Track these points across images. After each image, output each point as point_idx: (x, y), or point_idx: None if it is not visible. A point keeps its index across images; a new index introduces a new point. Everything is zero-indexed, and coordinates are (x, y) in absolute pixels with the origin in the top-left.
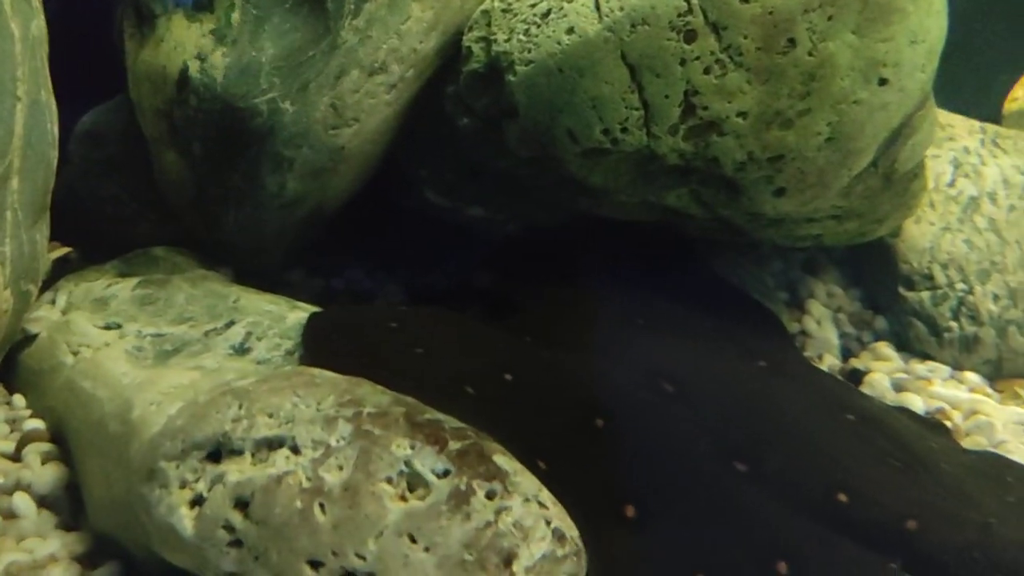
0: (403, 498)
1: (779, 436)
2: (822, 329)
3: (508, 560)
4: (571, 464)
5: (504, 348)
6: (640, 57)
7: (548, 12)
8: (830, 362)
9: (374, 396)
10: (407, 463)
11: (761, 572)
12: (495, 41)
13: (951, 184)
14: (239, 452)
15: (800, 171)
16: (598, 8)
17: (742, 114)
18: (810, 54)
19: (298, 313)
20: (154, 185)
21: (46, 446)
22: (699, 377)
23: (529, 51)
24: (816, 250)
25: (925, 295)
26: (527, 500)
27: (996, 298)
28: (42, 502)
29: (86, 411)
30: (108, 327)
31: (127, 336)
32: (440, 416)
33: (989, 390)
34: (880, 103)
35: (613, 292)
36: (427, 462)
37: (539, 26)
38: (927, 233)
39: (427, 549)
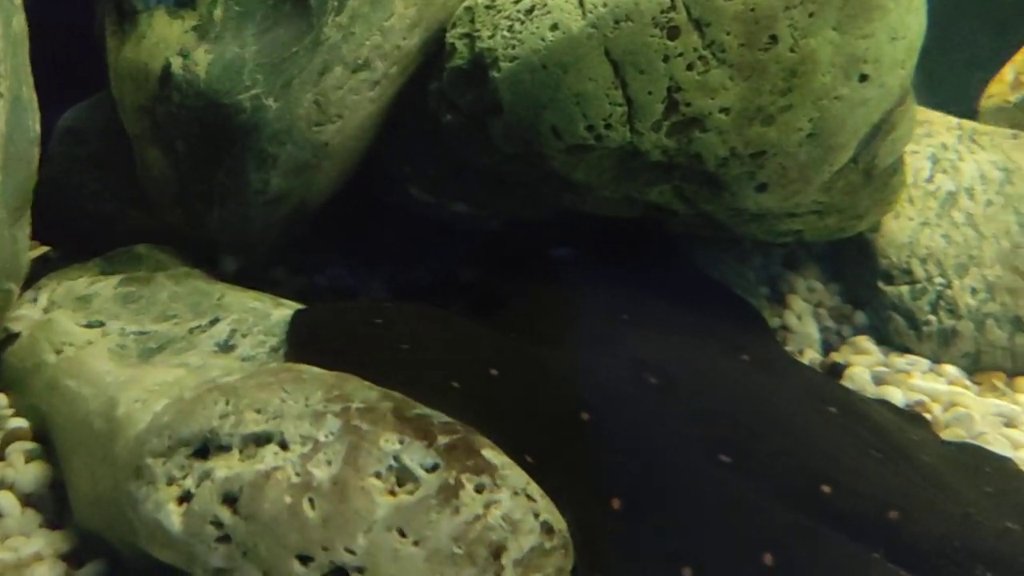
0: (392, 493)
1: (763, 428)
2: (803, 324)
3: (497, 553)
4: (558, 458)
5: (489, 343)
6: (624, 53)
7: (532, 8)
8: (811, 356)
9: (362, 391)
10: (396, 458)
11: (747, 563)
12: (479, 38)
13: (929, 180)
14: (227, 448)
15: (782, 167)
16: (582, 4)
17: (724, 110)
18: (791, 50)
19: (283, 310)
20: (136, 182)
21: (29, 445)
22: (683, 371)
23: (513, 47)
24: (796, 246)
25: (904, 289)
26: (516, 493)
27: (974, 292)
28: (26, 501)
29: (70, 409)
30: (91, 325)
31: (110, 334)
32: (428, 411)
33: (967, 383)
34: (861, 99)
35: (597, 288)
36: (416, 457)
37: (523, 22)
38: (906, 228)
39: (416, 543)
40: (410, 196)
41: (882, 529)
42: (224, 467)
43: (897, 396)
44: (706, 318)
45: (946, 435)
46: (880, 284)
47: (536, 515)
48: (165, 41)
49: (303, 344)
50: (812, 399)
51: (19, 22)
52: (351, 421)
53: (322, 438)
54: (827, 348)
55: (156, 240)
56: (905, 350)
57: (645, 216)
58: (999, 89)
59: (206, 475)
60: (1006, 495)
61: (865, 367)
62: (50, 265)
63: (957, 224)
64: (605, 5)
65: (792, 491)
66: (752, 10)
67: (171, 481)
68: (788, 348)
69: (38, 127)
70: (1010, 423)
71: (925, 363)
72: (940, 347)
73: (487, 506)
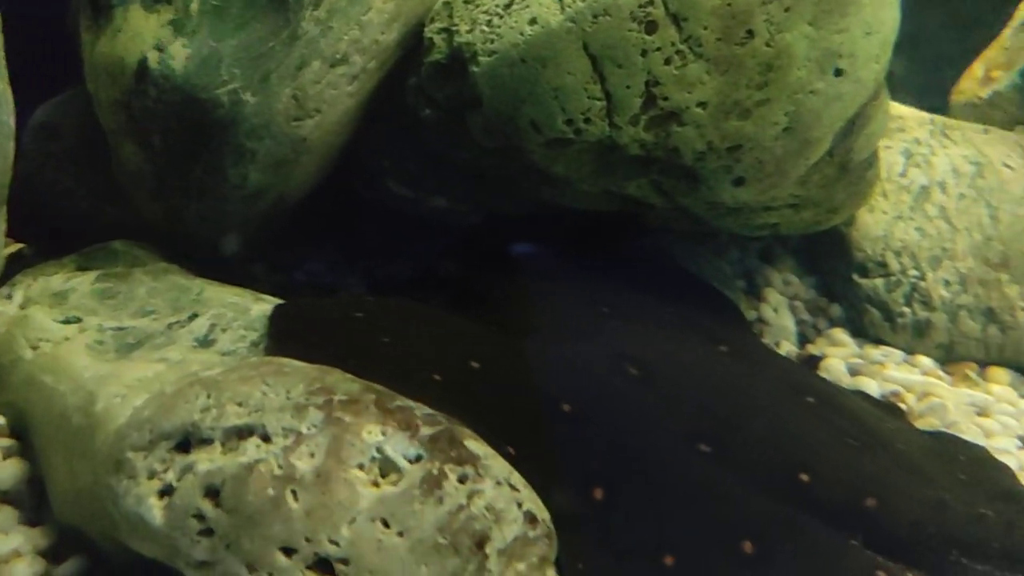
0: (375, 484)
1: (742, 418)
2: (779, 316)
3: (481, 543)
4: (539, 449)
5: (471, 337)
6: (602, 48)
7: (510, 3)
8: (787, 348)
9: (344, 384)
10: (379, 449)
11: (727, 551)
12: (457, 32)
13: (903, 174)
14: (208, 441)
15: (758, 160)
16: None
17: (702, 104)
18: (768, 45)
19: (262, 305)
20: (112, 178)
21: (6, 441)
22: (663, 362)
23: (492, 42)
24: (773, 240)
25: (879, 282)
26: (499, 483)
27: (947, 284)
28: (3, 498)
29: (47, 405)
30: (68, 321)
31: (88, 330)
32: (411, 403)
33: (941, 373)
34: (836, 93)
35: (576, 281)
36: (399, 448)
37: (501, 17)
38: (880, 222)
39: (400, 534)
40: (389, 191)
41: (860, 516)
42: (206, 460)
43: (872, 387)
44: (685, 311)
45: (921, 424)
46: (855, 277)
47: (519, 504)
48: (141, 35)
49: (284, 338)
50: (790, 389)
51: None
52: (333, 413)
53: (304, 430)
54: (803, 340)
55: (133, 236)
56: (880, 342)
57: (623, 210)
58: (969, 85)
59: (188, 468)
60: (979, 482)
61: (840, 359)
62: (25, 262)
63: (930, 217)
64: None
65: (771, 480)
66: (729, 5)
67: (152, 475)
68: (764, 340)
69: (13, 121)
70: (983, 412)
71: (899, 354)
72: (914, 339)
73: (470, 496)
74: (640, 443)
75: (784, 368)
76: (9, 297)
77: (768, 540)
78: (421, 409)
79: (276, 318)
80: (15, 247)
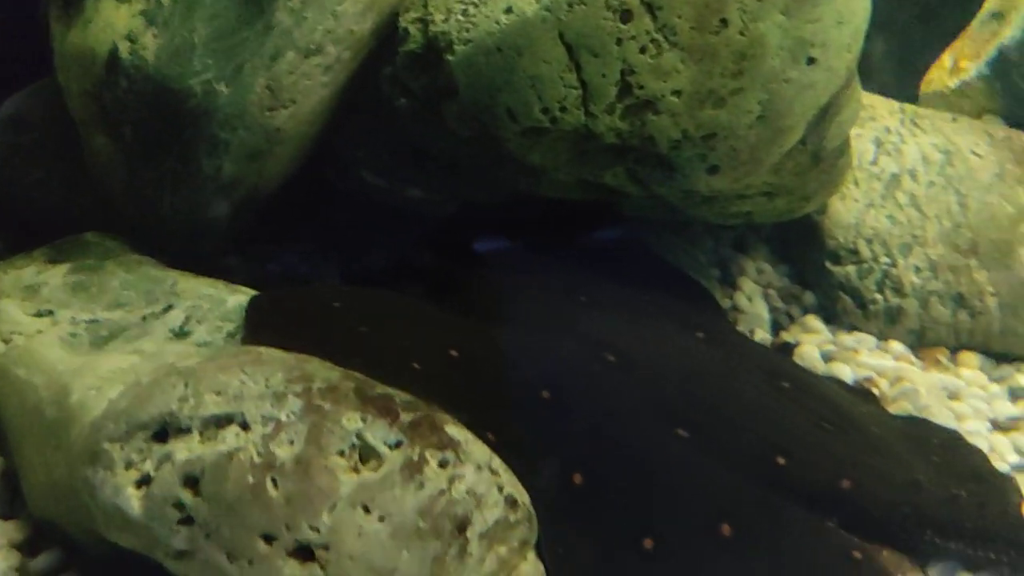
0: (356, 470)
1: (719, 403)
2: (753, 305)
3: (462, 526)
4: (519, 435)
5: (448, 325)
6: (577, 36)
7: None
8: (761, 336)
9: (323, 372)
10: (359, 436)
11: (706, 534)
12: (432, 22)
13: (874, 162)
14: (186, 431)
15: (733, 149)
16: None
17: (677, 93)
18: (741, 34)
19: (238, 296)
20: (83, 170)
21: None
22: (641, 349)
23: (467, 31)
24: (746, 229)
25: (851, 269)
26: (479, 468)
27: (918, 270)
28: None
29: (20, 398)
30: (40, 314)
31: (61, 323)
32: (390, 390)
33: (913, 358)
34: (808, 82)
35: (553, 270)
36: (379, 434)
37: (476, 6)
38: (852, 210)
39: (381, 519)
40: (363, 181)
41: (836, 498)
42: (184, 450)
43: (846, 373)
44: (661, 299)
45: (893, 409)
46: (828, 265)
47: (500, 489)
48: (112, 26)
49: (261, 328)
50: (765, 375)
51: None
52: (313, 401)
53: (284, 418)
54: (777, 328)
55: (105, 228)
56: (853, 328)
57: (599, 199)
58: (938, 75)
59: (166, 458)
60: (952, 464)
61: (814, 345)
62: None
63: (901, 205)
64: None
65: (748, 463)
66: None
67: (129, 465)
68: (739, 329)
69: None
70: (954, 396)
71: (872, 340)
72: (886, 325)
73: (451, 481)
74: (618, 428)
75: (760, 354)
76: None
77: (746, 522)
78: (401, 396)
79: (253, 308)
80: None
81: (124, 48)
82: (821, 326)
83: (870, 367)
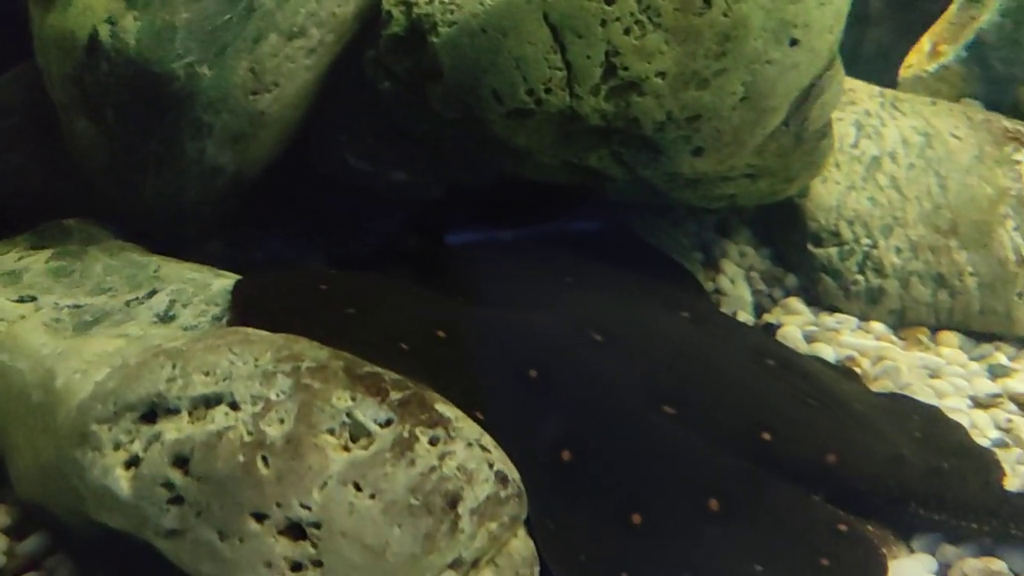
0: (346, 448)
1: (705, 380)
2: (736, 287)
3: (453, 502)
4: (507, 413)
5: (435, 307)
6: (562, 17)
7: None
8: (744, 318)
9: (312, 351)
10: (349, 414)
11: (693, 509)
12: (416, 4)
13: (855, 145)
14: (175, 411)
15: (716, 130)
16: None
17: (661, 74)
18: (724, 15)
19: (223, 280)
20: (65, 154)
21: None
22: (627, 328)
23: (452, 12)
24: (728, 212)
25: (832, 251)
26: (470, 444)
27: (899, 251)
28: None
29: (5, 384)
30: (22, 300)
31: (43, 308)
32: (379, 369)
33: (894, 338)
34: (791, 63)
35: (539, 252)
36: (369, 412)
37: None
38: (833, 192)
39: (372, 496)
40: (347, 165)
41: (821, 472)
42: (173, 430)
43: (828, 352)
44: (646, 280)
45: (876, 387)
46: (809, 247)
47: (491, 465)
48: (92, 8)
49: (248, 310)
50: (750, 353)
51: None
52: (302, 380)
53: (273, 397)
54: (760, 310)
55: (86, 214)
56: (834, 309)
57: (584, 182)
58: (917, 59)
59: (155, 438)
60: (933, 439)
61: (797, 327)
62: None
63: (882, 187)
64: None
65: (734, 439)
66: None
67: (118, 446)
68: (722, 311)
69: None
70: (935, 374)
71: (853, 321)
72: (868, 305)
73: (442, 457)
74: (606, 406)
75: (744, 333)
76: None
77: (733, 497)
78: (390, 375)
79: (239, 291)
80: None
81: (104, 31)
82: (803, 307)
83: (852, 347)
